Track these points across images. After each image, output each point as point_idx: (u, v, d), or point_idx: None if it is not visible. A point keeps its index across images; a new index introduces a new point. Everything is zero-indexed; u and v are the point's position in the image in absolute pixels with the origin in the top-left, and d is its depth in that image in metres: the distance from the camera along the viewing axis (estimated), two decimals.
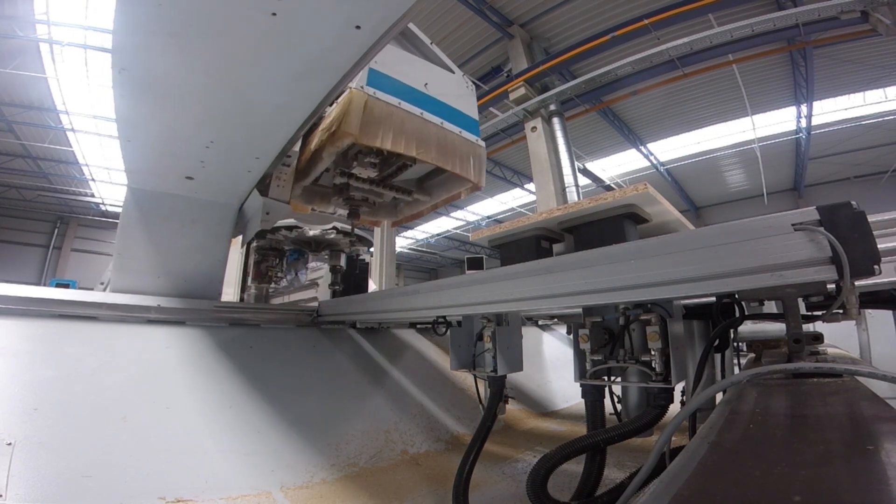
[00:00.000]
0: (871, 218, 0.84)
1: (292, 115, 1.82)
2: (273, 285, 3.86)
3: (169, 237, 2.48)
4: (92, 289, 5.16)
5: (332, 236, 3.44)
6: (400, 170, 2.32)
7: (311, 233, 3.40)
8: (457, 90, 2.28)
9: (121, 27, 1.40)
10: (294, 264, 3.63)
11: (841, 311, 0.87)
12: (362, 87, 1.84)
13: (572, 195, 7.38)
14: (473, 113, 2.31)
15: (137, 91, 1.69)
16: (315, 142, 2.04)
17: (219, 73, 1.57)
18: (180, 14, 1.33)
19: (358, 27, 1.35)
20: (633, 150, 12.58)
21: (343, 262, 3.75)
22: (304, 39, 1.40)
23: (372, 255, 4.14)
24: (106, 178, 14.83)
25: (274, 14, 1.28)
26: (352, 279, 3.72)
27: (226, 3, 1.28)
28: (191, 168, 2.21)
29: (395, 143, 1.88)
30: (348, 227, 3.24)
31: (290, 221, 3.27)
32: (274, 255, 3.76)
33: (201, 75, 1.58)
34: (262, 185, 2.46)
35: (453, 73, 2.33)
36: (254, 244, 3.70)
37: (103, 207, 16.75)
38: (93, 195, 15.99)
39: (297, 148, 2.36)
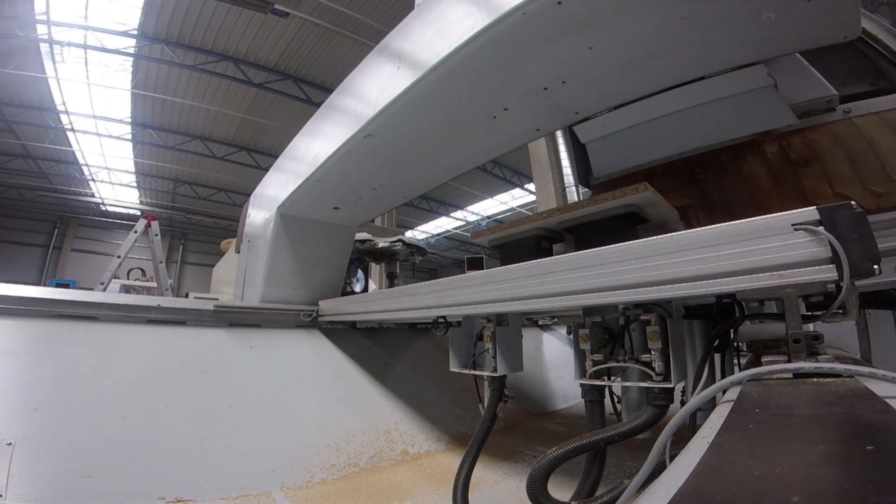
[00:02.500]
0: (871, 218, 0.84)
1: (453, 173, 2.40)
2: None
3: (308, 255, 2.95)
4: (92, 289, 5.17)
5: (398, 247, 3.76)
6: None
7: (381, 245, 3.73)
8: None
9: (391, 107, 1.74)
10: (354, 273, 3.84)
11: (841, 311, 0.86)
12: None
13: (572, 195, 7.38)
14: None
15: (364, 151, 2.06)
16: None
17: (435, 145, 2.09)
18: (442, 106, 1.76)
19: (537, 130, 1.96)
20: None
21: (398, 269, 4.22)
22: (501, 133, 1.96)
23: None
24: (106, 179, 14.84)
25: (495, 117, 1.81)
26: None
27: (472, 104, 1.75)
28: (344, 201, 2.70)
29: None
30: (413, 240, 3.86)
31: (364, 235, 3.66)
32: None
33: (421, 145, 2.07)
34: None
35: None
36: None
37: (103, 207, 16.76)
38: (93, 195, 16.00)
39: None
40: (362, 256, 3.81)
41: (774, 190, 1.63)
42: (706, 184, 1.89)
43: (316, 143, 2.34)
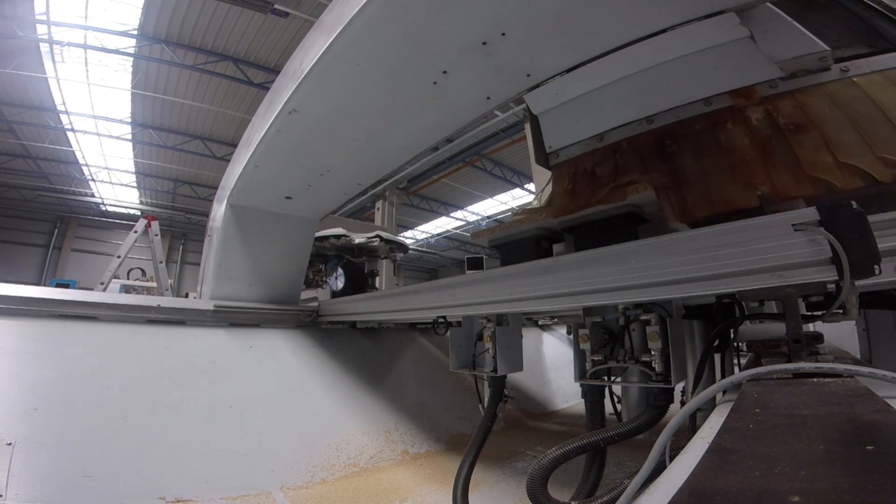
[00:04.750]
0: (871, 218, 0.84)
1: (406, 154, 2.22)
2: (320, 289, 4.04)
3: (262, 249, 2.76)
4: (92, 289, 5.17)
5: (376, 243, 3.63)
6: None
7: (357, 240, 3.59)
8: None
9: (310, 77, 1.59)
10: (333, 270, 3.74)
11: (841, 311, 0.86)
12: None
13: None
14: None
15: (295, 129, 1.90)
16: None
17: (375, 120, 1.90)
18: (368, 72, 1.58)
19: (488, 98, 1.75)
20: None
21: (378, 266, 4.03)
22: (448, 103, 1.77)
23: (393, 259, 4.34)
24: (106, 179, 14.84)
25: (435, 83, 1.63)
26: (353, 281, 3.81)
27: (404, 68, 1.56)
28: (295, 190, 2.51)
29: None
30: (391, 236, 3.69)
31: (339, 230, 3.50)
32: (320, 261, 3.88)
33: (359, 121, 1.90)
34: None
35: None
36: None
37: (103, 207, 16.74)
38: (93, 195, 15.98)
39: None
40: (340, 253, 3.68)
41: (761, 161, 1.40)
42: (679, 157, 1.63)
43: (253, 128, 2.24)
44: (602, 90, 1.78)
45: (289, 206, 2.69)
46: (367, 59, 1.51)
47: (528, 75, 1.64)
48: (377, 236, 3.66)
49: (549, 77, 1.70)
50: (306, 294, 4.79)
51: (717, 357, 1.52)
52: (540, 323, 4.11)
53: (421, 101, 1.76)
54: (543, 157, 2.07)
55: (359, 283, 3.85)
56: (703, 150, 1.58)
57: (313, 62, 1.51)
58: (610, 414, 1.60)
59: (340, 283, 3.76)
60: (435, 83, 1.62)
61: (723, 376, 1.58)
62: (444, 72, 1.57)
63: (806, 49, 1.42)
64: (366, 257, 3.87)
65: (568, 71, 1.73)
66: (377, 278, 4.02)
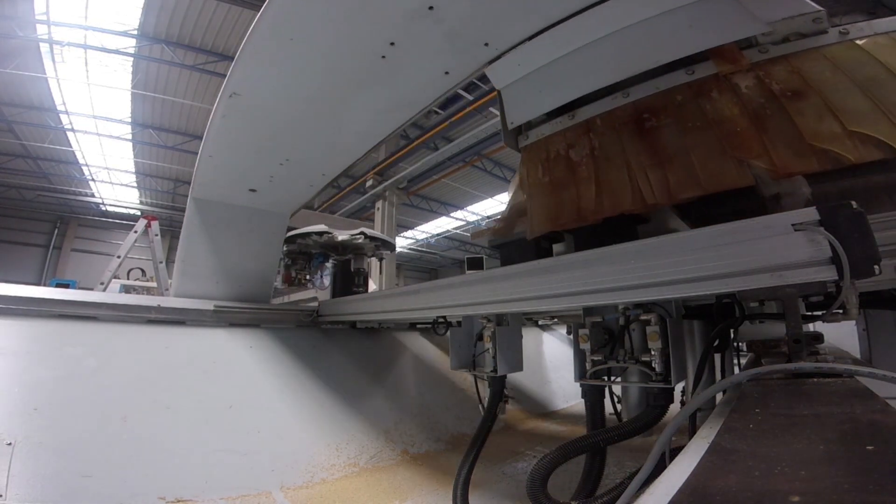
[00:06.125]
0: (871, 218, 0.84)
1: (368, 140, 2.10)
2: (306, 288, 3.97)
3: (228, 244, 2.64)
4: (92, 289, 5.17)
5: (360, 241, 3.55)
6: None
7: (340, 237, 3.51)
8: None
9: (244, 57, 1.51)
10: (319, 267, 3.69)
11: (841, 311, 0.86)
12: None
13: None
14: None
15: (241, 114, 1.81)
16: None
17: (324, 102, 1.78)
18: (305, 48, 1.46)
19: (447, 73, 1.62)
20: None
21: (364, 264, 3.87)
22: (402, 80, 1.64)
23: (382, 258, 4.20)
24: (106, 179, 14.85)
25: (383, 57, 1.49)
26: (340, 280, 3.76)
27: (346, 42, 1.45)
28: (258, 182, 2.40)
29: None
30: (376, 233, 3.56)
31: (321, 227, 3.41)
32: (303, 259, 3.83)
33: (307, 103, 1.78)
34: None
35: None
36: (284, 248, 3.73)
37: (103, 207, 16.76)
38: (93, 195, 16.00)
39: None
40: (324, 251, 3.59)
41: (755, 133, 1.26)
42: (659, 132, 1.46)
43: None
44: (567, 57, 1.63)
45: (254, 200, 2.56)
46: (301, 33, 1.38)
47: (487, 44, 1.50)
48: (361, 233, 3.55)
49: (510, 47, 1.56)
50: (302, 295, 4.78)
51: (717, 357, 1.52)
52: (540, 323, 4.11)
53: (371, 79, 1.61)
54: (511, 137, 1.91)
55: (346, 281, 3.71)
56: (686, 124, 1.42)
57: (245, 41, 1.42)
58: (610, 414, 1.60)
59: (327, 282, 3.70)
60: (384, 57, 1.49)
61: (723, 376, 1.58)
62: (392, 43, 1.43)
63: (797, 10, 1.29)
64: (352, 255, 3.76)
65: (530, 39, 1.58)
66: (364, 277, 3.86)
